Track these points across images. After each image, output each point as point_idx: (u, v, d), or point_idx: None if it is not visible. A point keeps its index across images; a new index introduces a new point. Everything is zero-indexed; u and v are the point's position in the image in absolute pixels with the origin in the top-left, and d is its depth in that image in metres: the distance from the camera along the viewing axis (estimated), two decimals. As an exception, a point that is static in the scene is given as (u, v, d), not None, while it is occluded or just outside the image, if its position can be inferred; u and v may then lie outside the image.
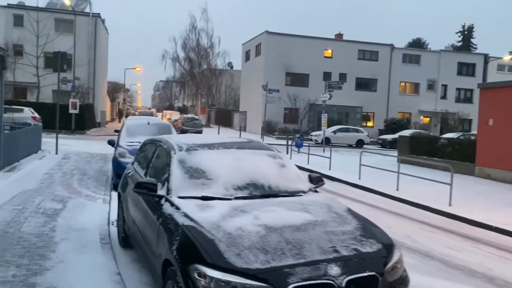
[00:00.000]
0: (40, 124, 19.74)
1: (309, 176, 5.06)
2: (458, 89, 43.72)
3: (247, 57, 46.24)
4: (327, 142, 32.51)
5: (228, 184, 4.25)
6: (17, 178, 9.59)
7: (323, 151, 24.12)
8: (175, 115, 46.57)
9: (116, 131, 15.57)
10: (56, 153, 14.77)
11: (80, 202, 7.91)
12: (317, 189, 4.79)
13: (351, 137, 32.74)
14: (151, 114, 75.39)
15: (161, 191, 4.23)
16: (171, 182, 4.24)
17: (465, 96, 44.21)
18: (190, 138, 5.32)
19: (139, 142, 10.66)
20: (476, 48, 66.89)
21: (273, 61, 38.98)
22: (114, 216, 7.08)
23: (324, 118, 23.86)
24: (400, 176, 11.94)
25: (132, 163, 6.26)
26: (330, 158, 15.50)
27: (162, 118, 57.32)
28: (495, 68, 43.49)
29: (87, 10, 36.24)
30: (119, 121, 50.43)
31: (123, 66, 68.92)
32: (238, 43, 49.76)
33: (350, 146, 32.87)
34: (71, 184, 9.54)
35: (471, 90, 44.06)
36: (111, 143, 10.81)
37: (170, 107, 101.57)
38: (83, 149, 17.91)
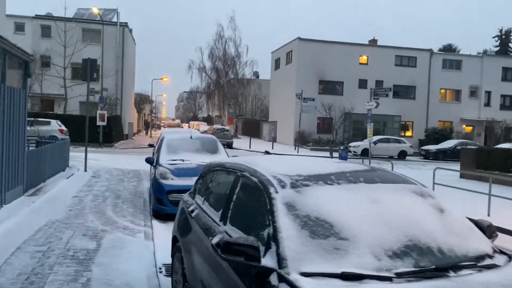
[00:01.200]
0: (68, 137, 18.53)
1: (476, 223, 3.29)
2: (503, 96, 40.99)
3: (276, 65, 44.69)
4: (366, 153, 30.56)
5: (377, 248, 2.51)
6: (41, 205, 8.11)
7: (369, 164, 22.20)
8: (203, 126, 45.32)
9: (151, 145, 14.13)
10: (85, 170, 13.38)
11: (118, 238, 6.33)
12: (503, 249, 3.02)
13: (393, 148, 30.59)
14: (178, 125, 74.90)
15: (267, 260, 2.55)
16: (282, 244, 2.51)
17: (510, 103, 41.44)
18: (283, 164, 3.64)
19: (183, 160, 9.09)
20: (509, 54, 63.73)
21: (306, 69, 37.29)
22: (161, 258, 5.48)
23: (370, 128, 21.93)
24: (477, 196, 10.12)
25: (192, 195, 4.62)
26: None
27: (189, 129, 56.31)
28: (543, 73, 40.65)
29: (114, 19, 35.46)
30: (146, 133, 49.50)
31: (149, 77, 68.74)
32: (266, 51, 48.39)
33: (391, 157, 30.65)
34: (104, 212, 8.00)
35: (517, 96, 41.34)
36: (149, 161, 9.26)
37: (195, 118, 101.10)
38: (113, 165, 16.53)
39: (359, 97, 37.45)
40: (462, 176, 15.92)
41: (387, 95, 22.66)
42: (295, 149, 32.65)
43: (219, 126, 36.34)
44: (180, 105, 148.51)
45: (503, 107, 40.89)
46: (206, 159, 8.93)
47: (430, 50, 39.68)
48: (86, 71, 12.48)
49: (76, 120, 25.76)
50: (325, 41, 38.11)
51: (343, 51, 37.74)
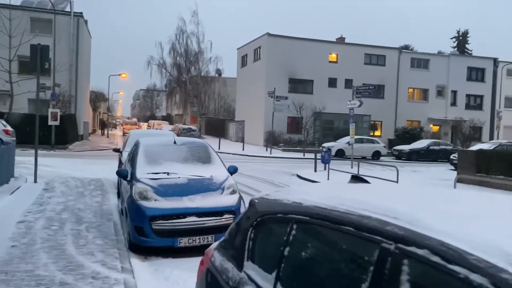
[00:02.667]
0: (14, 139, 15.86)
1: None
2: (468, 95, 41.26)
3: (243, 62, 42.85)
4: (341, 154, 29.37)
5: None
6: (-28, 239, 5.86)
7: (351, 167, 20.93)
8: (166, 126, 42.74)
9: (117, 150, 11.92)
10: (35, 181, 10.99)
11: (86, 295, 4.29)
12: None
13: (367, 149, 29.63)
14: (135, 124, 71.32)
15: None
16: None
17: (475, 103, 41.79)
18: (405, 195, 1.88)
19: (168, 174, 6.62)
20: (471, 54, 65.24)
21: (275, 66, 35.69)
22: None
23: (352, 128, 20.63)
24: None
25: (234, 260, 2.63)
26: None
27: (164, 131, 53.28)
28: (505, 73, 41.23)
29: (67, 9, 32.31)
30: (102, 134, 46.02)
31: (105, 74, 64.52)
32: (231, 48, 46.40)
33: (364, 158, 29.63)
34: (62, 247, 5.86)
35: (481, 96, 41.76)
36: (122, 174, 7.14)
37: (152, 117, 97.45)
38: (69, 172, 14.13)
39: (329, 96, 36.39)
40: (460, 180, 14.79)
41: (369, 94, 21.40)
42: (266, 150, 30.96)
43: (186, 126, 34.06)
44: (137, 103, 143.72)
45: (468, 106, 41.15)
46: (197, 170, 6.98)
47: (399, 49, 39.24)
48: (36, 59, 10.11)
49: (24, 120, 22.78)
50: (294, 37, 36.66)
51: (312, 49, 36.47)
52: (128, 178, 6.86)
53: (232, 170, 7.41)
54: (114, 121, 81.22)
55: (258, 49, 38.00)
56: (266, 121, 35.12)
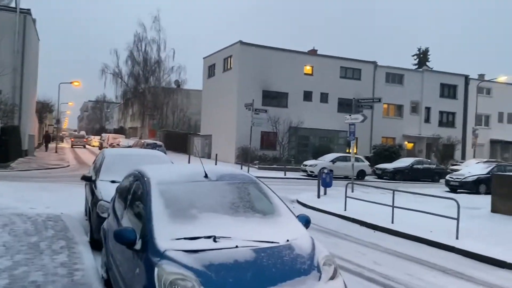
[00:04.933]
0: None
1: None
2: (441, 112, 40.60)
3: (210, 72, 39.84)
4: (325, 173, 26.90)
5: None
6: None
7: (352, 191, 18.40)
8: (123, 140, 38.69)
9: (86, 178, 8.56)
10: (-38, 224, 7.43)
11: None
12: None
13: (351, 167, 27.25)
14: (82, 137, 65.83)
15: None
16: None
17: (447, 120, 41.19)
18: None
19: (213, 238, 3.48)
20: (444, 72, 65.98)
21: (248, 77, 33.02)
22: None
23: (353, 144, 18.22)
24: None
25: None
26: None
27: (103, 144, 48.59)
28: (475, 91, 41.06)
29: (12, 5, 28.06)
30: (46, 149, 39.80)
31: (53, 82, 58.66)
32: (195, 58, 43.22)
33: (347, 177, 27.33)
34: None
35: (454, 114, 41.24)
36: (124, 238, 3.95)
37: (102, 130, 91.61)
38: (14, 203, 10.56)
39: (305, 110, 34.19)
40: (495, 210, 12.64)
41: (370, 107, 19.11)
42: (241, 168, 27.94)
43: (150, 141, 30.40)
44: (85, 115, 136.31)
45: (441, 123, 40.46)
46: (261, 230, 3.99)
47: (374, 63, 37.87)
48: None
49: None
50: (268, 47, 34.27)
51: (287, 60, 34.23)
52: (139, 247, 3.74)
53: (305, 222, 4.51)
54: (61, 134, 74.83)
55: (229, 58, 35.20)
56: (238, 136, 32.27)
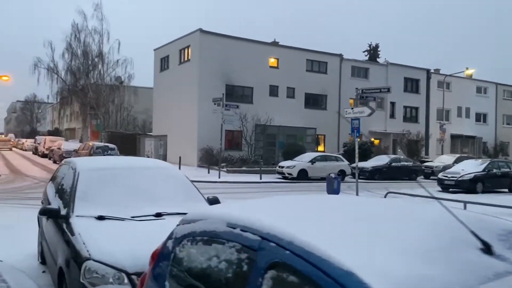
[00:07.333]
0: None
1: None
2: (405, 107, 39.66)
3: (163, 65, 35.87)
4: (303, 175, 24.21)
5: None
6: None
7: (357, 193, 15.86)
8: (65, 143, 33.69)
9: (50, 213, 5.00)
10: None
11: None
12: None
13: (331, 167, 24.74)
14: (8, 140, 58.65)
15: None
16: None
17: (411, 115, 40.35)
18: None
19: None
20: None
21: (209, 69, 29.62)
22: None
23: (357, 142, 15.65)
24: None
25: None
26: None
27: (38, 147, 42.77)
28: (436, 85, 40.57)
29: None
30: None
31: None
32: (146, 50, 38.91)
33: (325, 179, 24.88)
34: None
35: (417, 108, 40.47)
36: None
37: (34, 132, 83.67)
38: None
39: (271, 106, 31.43)
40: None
41: (374, 99, 16.68)
42: (208, 172, 24.55)
43: (100, 144, 25.96)
44: (13, 116, 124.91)
45: (405, 118, 39.52)
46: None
47: (340, 56, 35.95)
48: None
49: None
50: (231, 36, 31.06)
51: (251, 51, 31.25)
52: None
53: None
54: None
55: (187, 49, 31.54)
56: (200, 136, 28.86)
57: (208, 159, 27.46)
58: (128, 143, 41.64)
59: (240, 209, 2.26)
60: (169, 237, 2.53)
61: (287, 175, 23.80)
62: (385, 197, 10.67)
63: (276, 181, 23.44)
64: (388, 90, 16.18)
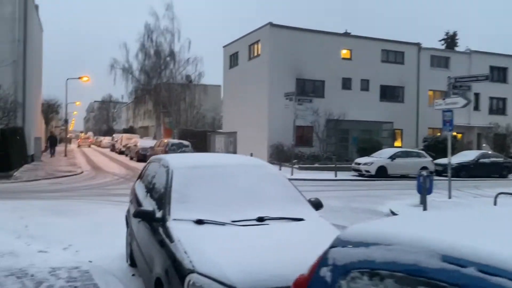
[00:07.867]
0: None
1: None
2: (491, 98, 36.41)
3: (232, 62, 35.85)
4: (382, 172, 22.81)
5: None
6: None
7: (449, 194, 14.47)
8: (139, 140, 34.86)
9: (145, 216, 4.56)
10: None
11: None
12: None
13: (413, 164, 23.11)
14: (87, 138, 62.15)
15: None
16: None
17: (497, 107, 36.99)
18: None
19: None
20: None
21: (279, 64, 29.00)
22: None
23: (450, 137, 14.24)
24: None
25: None
26: None
27: (116, 145, 44.86)
28: (527, 74, 36.81)
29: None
30: (52, 154, 33.25)
31: (57, 80, 54.22)
32: (215, 48, 39.02)
33: (407, 176, 23.23)
34: None
35: (504, 99, 37.01)
36: None
37: (110, 130, 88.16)
38: (10, 240, 6.75)
39: (343, 100, 30.13)
40: None
41: (469, 88, 15.09)
42: (280, 169, 23.98)
43: (175, 141, 26.43)
44: (91, 116, 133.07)
45: (491, 111, 36.29)
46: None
47: (418, 44, 33.71)
48: None
49: None
50: (301, 29, 30.19)
51: (322, 43, 30.13)
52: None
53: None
54: (68, 136, 71.11)
55: (256, 44, 31.17)
56: (271, 132, 28.35)
57: (279, 156, 26.86)
58: (199, 140, 42.31)
59: (449, 228, 1.51)
60: (323, 263, 1.83)
61: (364, 172, 22.55)
62: (496, 198, 9.34)
63: (352, 178, 22.28)
64: (486, 77, 14.59)
